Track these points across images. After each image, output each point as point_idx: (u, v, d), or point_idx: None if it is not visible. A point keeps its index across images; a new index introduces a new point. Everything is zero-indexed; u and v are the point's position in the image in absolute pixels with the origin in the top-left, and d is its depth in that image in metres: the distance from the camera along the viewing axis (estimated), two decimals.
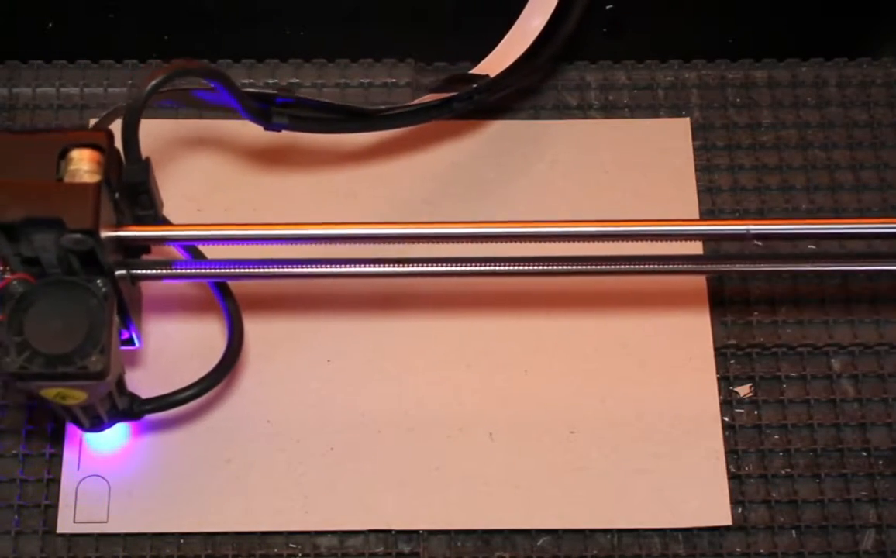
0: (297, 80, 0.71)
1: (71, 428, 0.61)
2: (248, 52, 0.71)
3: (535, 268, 0.55)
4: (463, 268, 0.55)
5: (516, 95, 0.70)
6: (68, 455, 0.61)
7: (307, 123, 0.62)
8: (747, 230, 0.54)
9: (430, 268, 0.55)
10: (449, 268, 0.55)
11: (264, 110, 0.60)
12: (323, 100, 0.63)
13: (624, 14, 0.74)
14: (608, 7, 0.74)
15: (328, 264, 0.55)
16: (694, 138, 0.70)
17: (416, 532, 0.61)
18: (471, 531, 0.61)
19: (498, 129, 0.70)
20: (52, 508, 0.60)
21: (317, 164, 0.68)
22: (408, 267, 0.55)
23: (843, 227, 0.56)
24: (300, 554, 0.60)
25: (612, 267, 0.56)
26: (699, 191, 0.68)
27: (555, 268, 0.55)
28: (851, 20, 0.74)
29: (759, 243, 0.65)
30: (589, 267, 0.55)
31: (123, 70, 0.71)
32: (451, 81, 0.65)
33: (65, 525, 0.60)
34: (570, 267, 0.55)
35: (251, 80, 0.71)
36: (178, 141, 0.68)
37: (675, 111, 0.71)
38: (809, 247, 0.65)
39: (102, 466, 0.61)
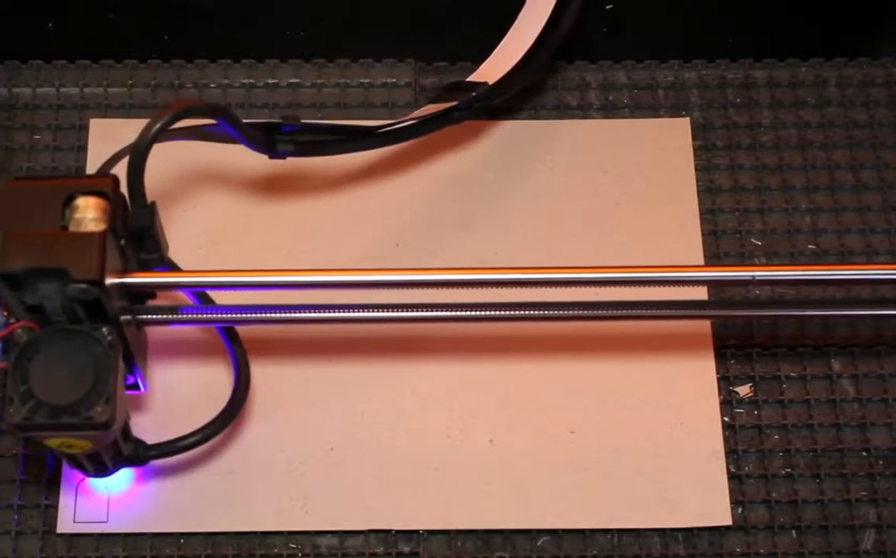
0: (297, 80, 0.71)
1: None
2: (249, 52, 0.71)
3: (536, 313, 0.55)
4: (467, 314, 0.55)
5: (516, 96, 0.70)
6: None
7: (311, 147, 0.62)
8: (752, 277, 0.54)
9: (439, 314, 0.55)
10: (454, 314, 0.55)
11: (269, 140, 0.59)
12: (326, 122, 0.63)
13: (624, 14, 0.74)
14: (608, 7, 0.74)
15: (337, 310, 0.54)
16: (694, 138, 0.70)
17: (416, 532, 0.61)
18: (471, 531, 0.61)
19: (498, 130, 0.70)
20: (52, 508, 0.60)
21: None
22: (417, 312, 0.55)
23: (850, 274, 0.56)
24: (300, 554, 0.60)
25: (616, 312, 0.56)
26: (699, 191, 0.68)
27: (556, 313, 0.55)
28: (851, 20, 0.74)
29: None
30: (590, 312, 0.55)
31: (123, 70, 0.71)
32: (450, 91, 0.65)
33: (65, 525, 0.60)
34: (572, 312, 0.55)
35: (251, 81, 0.71)
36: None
37: (675, 111, 0.71)
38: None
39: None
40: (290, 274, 0.53)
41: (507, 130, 0.70)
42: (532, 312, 0.55)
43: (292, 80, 0.71)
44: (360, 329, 0.64)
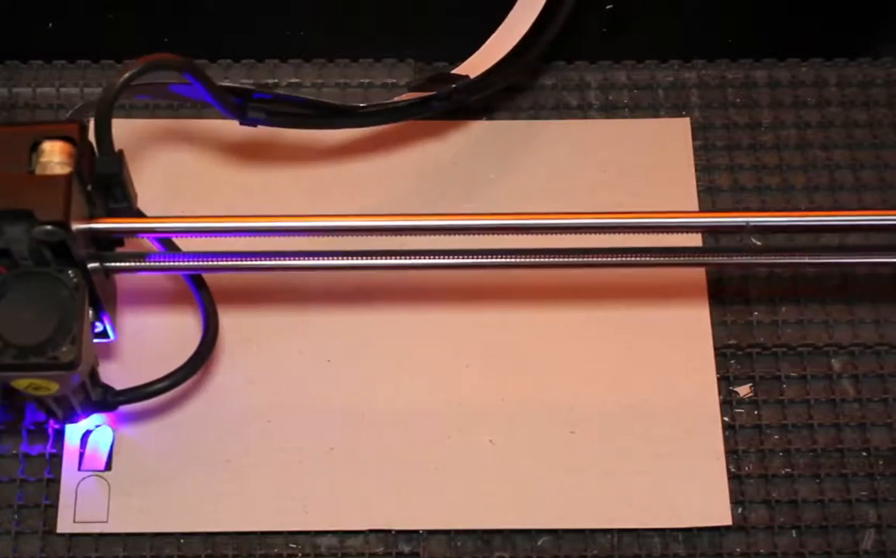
0: (297, 80, 0.71)
1: (71, 426, 0.61)
2: (248, 52, 0.71)
3: (532, 260, 0.55)
4: (453, 261, 0.55)
5: (506, 95, 0.70)
6: (68, 455, 0.61)
7: (284, 118, 0.62)
8: (746, 222, 0.54)
9: (407, 261, 0.55)
10: (436, 261, 0.55)
11: (240, 105, 0.59)
12: (300, 95, 0.63)
13: (624, 14, 0.74)
14: (608, 7, 0.74)
15: (304, 256, 0.55)
16: (694, 138, 0.70)
17: (416, 532, 0.61)
18: (471, 531, 0.61)
19: (498, 129, 0.70)
20: (52, 508, 0.60)
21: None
22: (389, 259, 0.55)
23: (842, 219, 0.56)
24: (300, 554, 0.60)
25: (610, 259, 0.56)
26: (699, 191, 0.68)
27: (551, 260, 0.55)
28: (851, 20, 0.74)
29: (758, 242, 0.65)
30: (586, 259, 0.56)
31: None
32: (430, 80, 0.65)
33: (65, 525, 0.60)
34: (566, 259, 0.55)
35: (251, 81, 0.71)
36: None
37: (675, 111, 0.71)
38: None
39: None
40: (260, 220, 0.53)
41: (507, 130, 0.70)
42: (527, 260, 0.55)
43: (292, 80, 0.71)
44: (360, 328, 0.64)
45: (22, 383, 0.51)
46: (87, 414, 0.58)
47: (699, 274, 0.66)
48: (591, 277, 0.66)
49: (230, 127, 0.60)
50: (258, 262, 0.55)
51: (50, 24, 0.72)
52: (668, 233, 0.55)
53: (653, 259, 0.56)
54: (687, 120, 0.70)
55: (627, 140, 0.69)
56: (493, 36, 0.67)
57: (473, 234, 0.54)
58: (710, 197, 0.68)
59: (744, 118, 0.70)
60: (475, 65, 0.65)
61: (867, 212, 0.59)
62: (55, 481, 0.61)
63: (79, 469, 0.61)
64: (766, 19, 0.74)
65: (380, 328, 0.64)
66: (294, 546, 0.60)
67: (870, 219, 0.56)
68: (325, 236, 0.54)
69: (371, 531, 0.61)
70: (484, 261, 0.55)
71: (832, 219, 0.56)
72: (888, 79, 0.72)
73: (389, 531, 0.61)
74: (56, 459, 0.61)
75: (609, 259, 0.56)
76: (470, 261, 0.55)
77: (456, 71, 0.65)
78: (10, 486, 0.61)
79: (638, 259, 0.56)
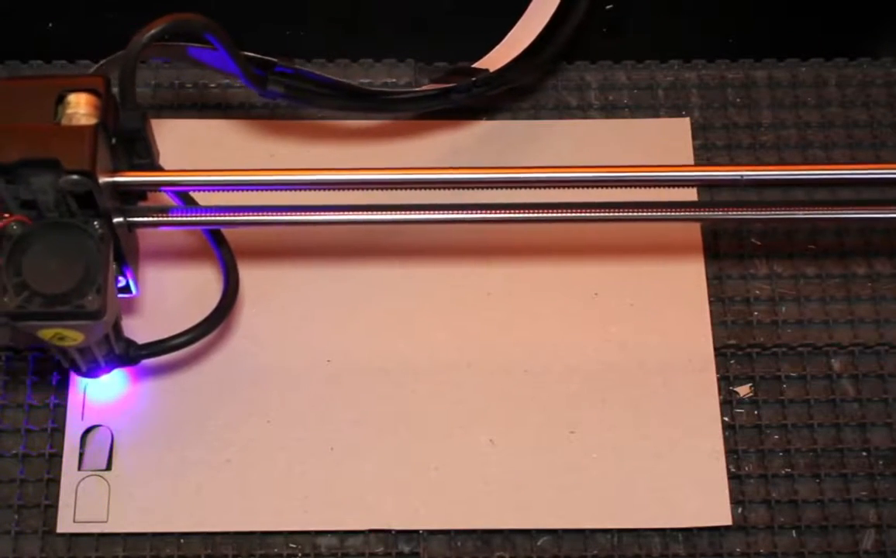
0: None
1: (71, 426, 0.61)
2: (249, 52, 0.71)
3: (532, 215, 0.57)
4: (461, 216, 0.57)
5: (516, 95, 0.70)
6: (68, 454, 0.61)
7: (303, 96, 0.62)
8: (741, 176, 0.55)
9: (427, 216, 0.56)
10: (441, 216, 0.56)
11: (261, 77, 0.60)
12: (322, 74, 0.63)
13: (624, 14, 0.74)
14: (608, 7, 0.74)
15: (323, 211, 0.56)
16: (694, 138, 0.70)
17: (416, 532, 0.61)
18: (471, 531, 0.61)
19: (498, 129, 0.70)
20: (52, 508, 0.60)
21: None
22: (403, 213, 0.56)
23: (835, 173, 0.57)
24: (300, 554, 0.60)
25: (603, 213, 0.57)
26: (699, 191, 0.68)
27: (555, 215, 0.57)
28: (851, 20, 0.74)
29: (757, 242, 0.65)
30: (581, 213, 0.57)
31: None
32: (451, 73, 0.65)
33: (65, 525, 0.60)
34: (565, 213, 0.57)
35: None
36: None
37: (675, 111, 0.71)
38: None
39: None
40: (282, 173, 0.55)
41: (508, 130, 0.70)
42: (526, 214, 0.57)
43: None
44: (360, 326, 0.64)
45: (48, 333, 0.52)
46: (111, 367, 0.59)
47: (699, 271, 0.66)
48: (591, 273, 0.66)
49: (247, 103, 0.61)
50: (277, 217, 0.56)
51: (50, 24, 0.72)
52: (663, 187, 0.56)
53: (649, 213, 0.57)
54: (687, 120, 0.70)
55: (627, 140, 0.69)
56: (512, 32, 0.67)
57: (477, 188, 0.56)
58: (709, 196, 0.68)
59: (744, 118, 0.70)
60: (495, 59, 0.66)
61: (862, 166, 0.60)
62: (55, 481, 0.61)
63: (79, 469, 0.61)
64: (766, 19, 0.74)
65: (380, 328, 0.64)
66: (294, 546, 0.60)
67: (864, 173, 0.57)
68: (341, 190, 0.55)
69: (371, 531, 0.61)
70: (474, 216, 0.57)
71: (825, 173, 0.57)
72: (888, 79, 0.72)
73: (389, 531, 0.61)
74: (56, 459, 0.61)
75: (601, 213, 0.57)
76: (475, 216, 0.57)
77: (476, 65, 0.65)
78: (10, 486, 0.61)
79: (632, 213, 0.57)
